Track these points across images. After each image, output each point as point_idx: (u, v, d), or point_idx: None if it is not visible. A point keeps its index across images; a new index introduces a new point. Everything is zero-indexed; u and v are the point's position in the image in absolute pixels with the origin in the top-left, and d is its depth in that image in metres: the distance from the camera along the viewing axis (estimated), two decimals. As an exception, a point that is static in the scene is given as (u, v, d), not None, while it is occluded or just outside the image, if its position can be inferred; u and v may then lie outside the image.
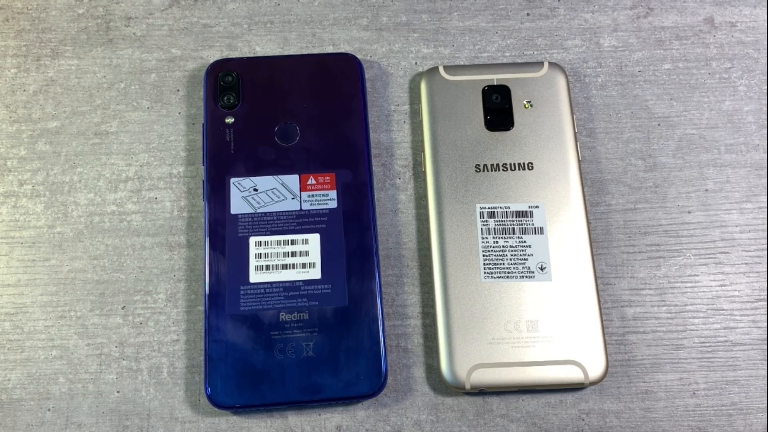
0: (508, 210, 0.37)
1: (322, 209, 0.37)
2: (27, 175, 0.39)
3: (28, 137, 0.40)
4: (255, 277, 0.36)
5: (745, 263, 0.38)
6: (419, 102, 0.40)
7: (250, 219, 0.37)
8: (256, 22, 0.43)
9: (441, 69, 0.40)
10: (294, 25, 0.43)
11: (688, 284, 0.38)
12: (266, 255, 0.36)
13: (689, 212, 0.39)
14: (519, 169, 0.38)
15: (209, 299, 0.35)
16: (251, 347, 0.35)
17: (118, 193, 0.39)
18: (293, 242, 0.36)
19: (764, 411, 0.36)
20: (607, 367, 0.35)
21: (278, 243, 0.36)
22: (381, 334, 0.35)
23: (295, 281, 0.36)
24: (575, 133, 0.39)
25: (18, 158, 0.40)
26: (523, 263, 0.36)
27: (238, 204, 0.37)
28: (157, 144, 0.40)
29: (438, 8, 0.43)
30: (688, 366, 0.36)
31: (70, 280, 0.38)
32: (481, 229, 0.37)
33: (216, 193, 0.37)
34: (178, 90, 0.41)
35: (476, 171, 0.38)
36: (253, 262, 0.36)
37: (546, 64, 0.40)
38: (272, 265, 0.36)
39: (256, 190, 0.37)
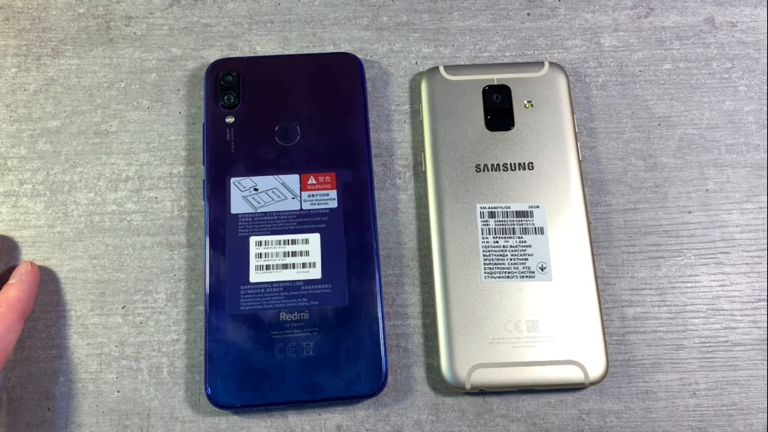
0: (508, 210, 0.37)
1: (323, 209, 0.37)
2: (27, 174, 0.39)
3: (29, 136, 0.40)
4: (255, 276, 0.36)
5: (746, 263, 0.38)
6: (420, 102, 0.40)
7: (250, 219, 0.37)
8: (257, 21, 0.43)
9: (441, 69, 0.40)
10: (294, 24, 0.43)
11: (689, 284, 0.38)
12: (266, 255, 0.36)
13: (689, 212, 0.39)
14: (519, 169, 0.38)
15: (209, 299, 0.35)
16: (251, 347, 0.35)
17: (119, 193, 0.39)
18: (293, 242, 0.36)
19: (764, 411, 0.36)
20: (608, 367, 0.35)
21: (278, 243, 0.36)
22: (381, 333, 0.35)
23: (296, 281, 0.36)
24: (576, 133, 0.39)
25: (18, 157, 0.40)
26: (523, 263, 0.36)
27: (238, 204, 0.37)
28: (158, 143, 0.40)
29: (438, 8, 0.43)
30: (689, 366, 0.36)
31: (70, 280, 0.38)
32: (482, 228, 0.37)
33: (216, 192, 0.37)
34: (179, 89, 0.41)
35: (476, 171, 0.38)
36: (253, 261, 0.36)
37: (546, 64, 0.40)
38: (272, 265, 0.36)
39: (256, 189, 0.37)
